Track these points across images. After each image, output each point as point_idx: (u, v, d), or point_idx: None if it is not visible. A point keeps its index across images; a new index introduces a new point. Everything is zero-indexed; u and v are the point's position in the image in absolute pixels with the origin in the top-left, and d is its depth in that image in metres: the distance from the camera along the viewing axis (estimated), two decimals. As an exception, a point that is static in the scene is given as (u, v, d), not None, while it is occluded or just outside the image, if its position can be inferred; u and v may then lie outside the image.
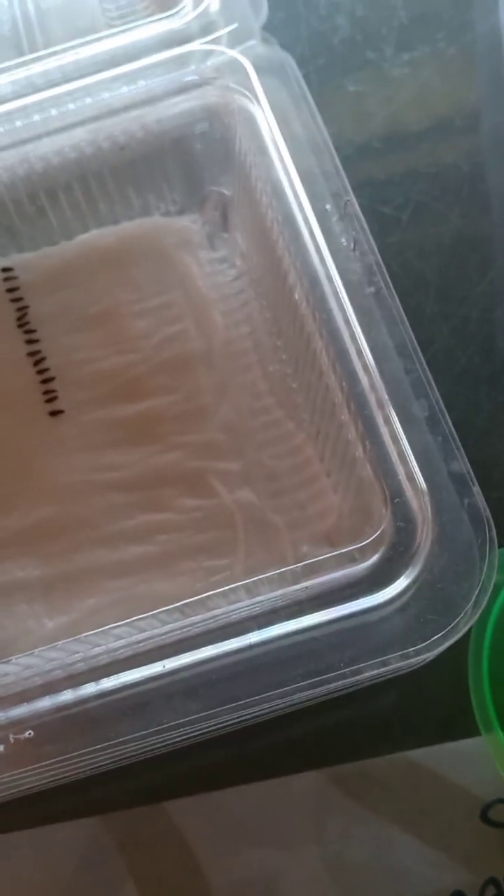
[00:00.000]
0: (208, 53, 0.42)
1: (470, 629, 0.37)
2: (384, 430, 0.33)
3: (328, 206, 0.37)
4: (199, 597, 0.30)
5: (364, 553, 0.31)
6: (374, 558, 0.31)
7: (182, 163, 0.43)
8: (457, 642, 0.36)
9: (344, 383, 0.35)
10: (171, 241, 0.43)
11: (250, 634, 0.29)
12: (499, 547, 0.39)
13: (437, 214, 0.50)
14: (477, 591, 0.30)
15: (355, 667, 0.29)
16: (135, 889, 0.37)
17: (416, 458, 0.33)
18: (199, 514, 0.40)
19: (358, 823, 0.38)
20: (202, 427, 0.41)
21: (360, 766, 0.39)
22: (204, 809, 0.38)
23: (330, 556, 0.31)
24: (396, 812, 0.38)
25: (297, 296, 0.37)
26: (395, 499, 0.32)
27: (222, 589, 0.31)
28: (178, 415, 0.41)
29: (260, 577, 0.31)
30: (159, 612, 0.30)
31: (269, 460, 0.41)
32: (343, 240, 0.36)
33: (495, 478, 0.43)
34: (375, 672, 0.29)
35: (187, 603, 0.30)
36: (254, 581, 0.31)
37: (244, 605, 0.30)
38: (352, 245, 0.36)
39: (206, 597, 0.31)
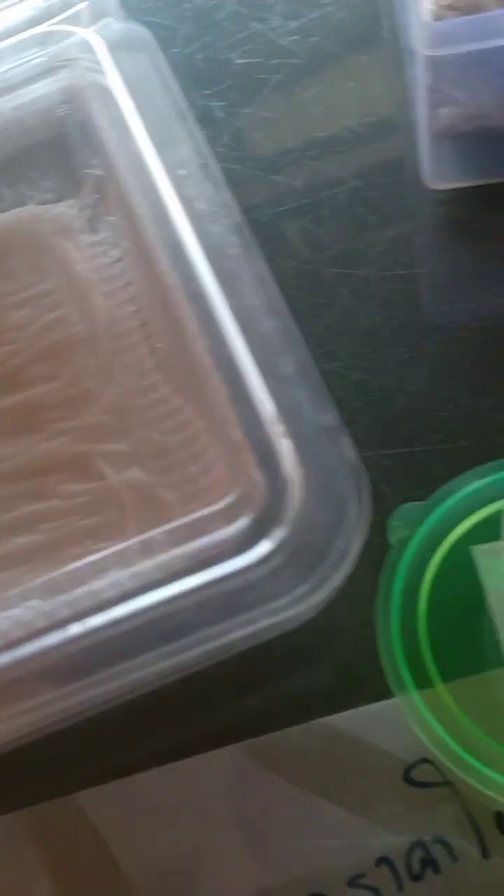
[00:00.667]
0: (65, 34, 0.41)
1: (377, 588, 0.36)
2: (252, 390, 0.32)
3: (183, 172, 0.36)
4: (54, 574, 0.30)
5: (233, 514, 0.30)
6: (243, 519, 0.30)
7: (50, 149, 0.42)
8: (367, 603, 0.36)
9: (212, 347, 0.34)
10: (47, 229, 0.42)
11: (112, 610, 0.29)
12: (410, 502, 0.39)
13: (332, 177, 0.49)
14: (345, 541, 0.29)
15: (222, 628, 0.28)
16: (51, 883, 0.37)
17: (285, 415, 0.32)
18: (86, 498, 0.39)
19: (278, 797, 0.37)
20: (87, 411, 0.41)
21: (276, 738, 0.38)
22: (117, 797, 0.38)
23: (194, 521, 0.30)
24: (317, 781, 0.37)
25: (163, 265, 0.37)
26: (265, 458, 0.31)
27: (82, 563, 0.30)
28: (62, 401, 0.40)
29: (118, 548, 0.30)
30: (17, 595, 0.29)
31: (158, 437, 0.40)
32: (202, 204, 0.35)
33: (401, 434, 0.42)
34: (246, 632, 0.29)
35: (50, 583, 0.30)
36: (115, 553, 0.30)
37: (107, 583, 0.29)
38: (211, 208, 0.35)
39: (73, 571, 0.30)
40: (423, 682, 0.37)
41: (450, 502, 0.39)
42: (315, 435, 0.31)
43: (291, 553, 0.29)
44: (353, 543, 0.29)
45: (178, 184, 0.36)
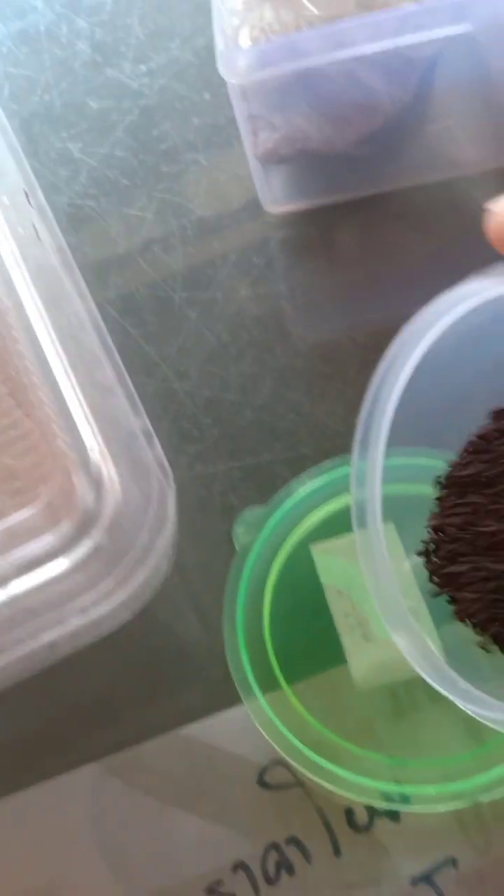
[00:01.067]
0: None
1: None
2: (72, 400, 0.33)
3: (6, 200, 0.37)
4: None
5: (47, 520, 0.31)
6: (58, 524, 0.31)
7: None
8: (217, 613, 0.36)
9: (36, 363, 0.35)
10: None
11: None
12: (264, 506, 0.39)
13: (180, 209, 0.51)
14: (146, 533, 0.29)
15: (32, 628, 0.28)
16: None
17: (102, 422, 0.33)
18: None
19: (137, 811, 0.37)
20: None
21: (134, 752, 0.38)
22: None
23: (11, 527, 0.30)
24: (175, 793, 0.37)
25: (-4, 291, 0.37)
26: (82, 463, 0.32)
27: None
28: None
29: None
30: None
31: (9, 461, 0.40)
32: (21, 228, 0.36)
33: (248, 445, 0.43)
34: (60, 632, 0.29)
35: None
36: None
37: None
38: (34, 233, 0.37)
39: None
40: (268, 685, 0.37)
41: (288, 504, 0.40)
42: (129, 439, 0.32)
43: (102, 552, 0.30)
44: (161, 538, 0.29)
45: (4, 210, 0.37)
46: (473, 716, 0.29)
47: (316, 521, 0.40)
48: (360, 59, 0.44)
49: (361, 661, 0.37)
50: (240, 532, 0.39)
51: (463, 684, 0.30)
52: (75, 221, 0.51)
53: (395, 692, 0.37)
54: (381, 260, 0.48)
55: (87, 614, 0.29)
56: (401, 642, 0.30)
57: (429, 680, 0.29)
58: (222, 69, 0.41)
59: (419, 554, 0.35)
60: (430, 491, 0.36)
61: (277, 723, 0.36)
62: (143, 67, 0.56)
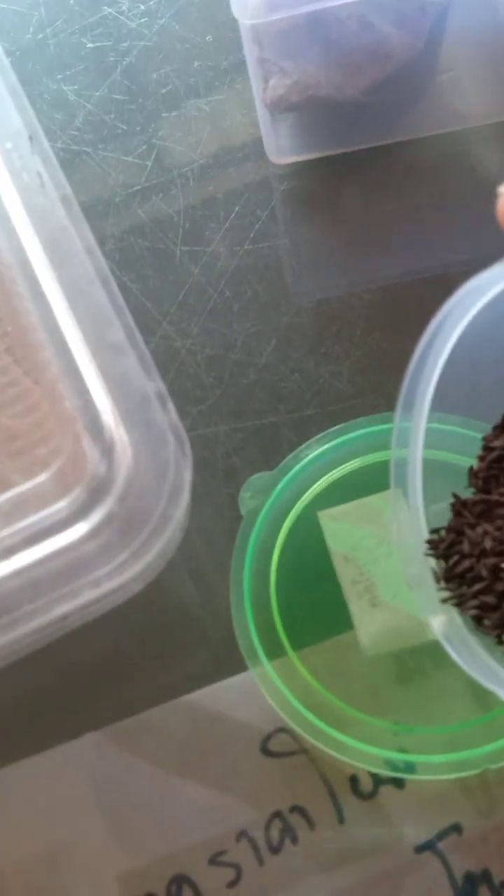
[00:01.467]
0: None
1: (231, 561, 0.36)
2: (80, 361, 0.32)
3: (8, 145, 0.35)
4: None
5: (58, 487, 0.29)
6: (70, 492, 0.30)
7: None
8: (222, 579, 0.36)
9: (41, 320, 0.33)
10: None
11: None
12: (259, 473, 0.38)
13: (182, 157, 0.49)
14: (164, 503, 0.28)
15: (45, 602, 0.27)
16: None
17: (112, 384, 0.31)
18: None
19: (140, 779, 0.37)
20: None
21: (137, 721, 0.38)
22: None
23: (23, 494, 0.29)
24: (178, 760, 0.37)
25: (-3, 242, 0.36)
26: (92, 428, 0.30)
27: None
28: None
29: None
30: None
31: (8, 421, 0.39)
32: (25, 176, 0.34)
33: (252, 406, 0.42)
34: (73, 605, 0.28)
35: None
36: None
37: None
38: (38, 181, 0.35)
39: None
40: (275, 651, 0.37)
41: (296, 470, 0.39)
42: (141, 402, 0.30)
43: (116, 522, 0.28)
44: (177, 508, 0.28)
45: (6, 157, 0.35)
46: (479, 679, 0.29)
47: (323, 487, 0.39)
48: (373, 4, 0.42)
49: (369, 628, 0.37)
50: (246, 497, 0.38)
51: (479, 650, 0.29)
52: (70, 168, 0.49)
53: (401, 658, 0.37)
54: (388, 214, 0.47)
55: (101, 586, 0.28)
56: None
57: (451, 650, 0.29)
58: (235, 9, 0.39)
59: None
60: (455, 458, 0.35)
61: (283, 689, 0.36)
62: (141, 6, 0.53)
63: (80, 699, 0.38)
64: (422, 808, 0.36)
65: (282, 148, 0.46)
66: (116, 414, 0.31)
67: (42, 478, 0.29)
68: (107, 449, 0.30)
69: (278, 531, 0.38)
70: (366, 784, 0.36)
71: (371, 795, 0.36)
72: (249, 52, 0.41)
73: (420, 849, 0.35)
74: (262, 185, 0.47)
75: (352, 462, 0.40)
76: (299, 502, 0.39)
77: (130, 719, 0.37)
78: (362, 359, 0.43)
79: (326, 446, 0.39)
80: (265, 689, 0.36)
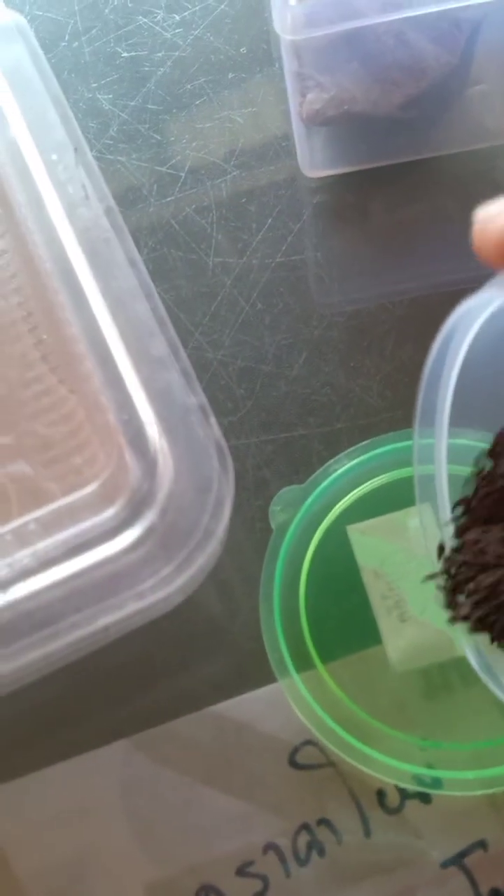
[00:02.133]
0: None
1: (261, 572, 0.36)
2: (123, 373, 0.32)
3: (54, 157, 0.35)
4: None
5: (104, 499, 0.30)
6: (115, 504, 0.30)
7: None
8: (253, 589, 0.36)
9: (83, 331, 0.33)
10: None
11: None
12: (290, 486, 0.39)
13: (215, 169, 0.49)
14: (212, 520, 0.28)
15: (90, 613, 0.28)
16: None
17: (155, 397, 0.32)
18: (-30, 491, 0.38)
19: (167, 787, 0.37)
20: (-29, 404, 0.40)
21: (164, 730, 0.38)
22: (8, 799, 0.37)
23: (66, 507, 0.29)
24: (204, 770, 0.37)
25: (38, 251, 0.36)
26: (135, 441, 0.31)
27: None
28: None
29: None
30: None
31: (42, 429, 0.39)
32: (70, 188, 0.35)
33: (282, 419, 0.42)
34: (116, 617, 0.28)
35: None
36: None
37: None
38: (83, 193, 0.35)
39: None
40: (304, 664, 0.37)
41: (325, 484, 0.39)
42: (184, 416, 0.31)
43: (159, 535, 0.29)
44: (220, 523, 0.29)
45: (51, 169, 0.36)
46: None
47: (352, 501, 0.39)
48: (410, 20, 0.43)
49: (398, 643, 0.37)
50: (276, 511, 0.39)
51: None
52: (104, 177, 0.49)
53: (429, 674, 0.37)
54: (419, 228, 0.47)
55: (144, 599, 0.28)
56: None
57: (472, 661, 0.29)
58: (277, 24, 0.39)
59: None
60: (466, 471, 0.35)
61: (311, 701, 0.36)
62: (176, 17, 0.53)
63: (108, 707, 0.38)
64: (448, 824, 0.36)
65: (315, 161, 0.46)
66: (159, 427, 0.31)
67: (88, 490, 0.29)
68: (149, 462, 0.30)
69: (308, 544, 0.38)
70: (392, 798, 0.36)
71: (398, 810, 0.36)
72: (288, 67, 0.42)
73: (446, 864, 0.35)
74: (295, 197, 0.47)
75: (381, 477, 0.40)
76: (328, 516, 0.39)
77: (158, 728, 0.38)
78: (393, 373, 0.43)
79: (356, 461, 0.39)
80: (293, 701, 0.36)
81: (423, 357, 0.43)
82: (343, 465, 0.39)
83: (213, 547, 0.28)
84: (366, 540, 0.38)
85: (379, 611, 0.37)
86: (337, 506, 0.39)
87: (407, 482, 0.40)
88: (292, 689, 0.36)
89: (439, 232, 0.47)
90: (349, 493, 0.39)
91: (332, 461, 0.39)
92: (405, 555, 0.38)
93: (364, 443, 0.39)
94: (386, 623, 0.37)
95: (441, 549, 0.32)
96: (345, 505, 0.39)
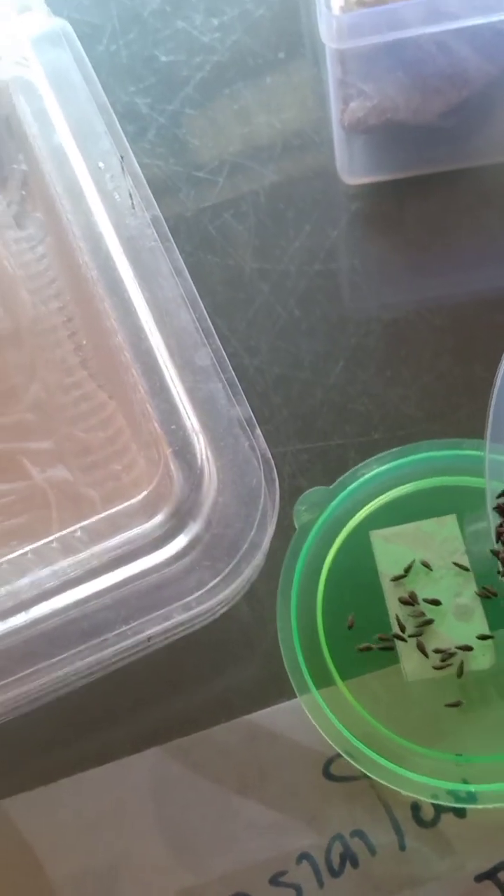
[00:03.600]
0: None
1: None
2: (168, 383, 0.32)
3: (101, 165, 0.36)
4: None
5: (149, 510, 0.30)
6: (160, 514, 0.30)
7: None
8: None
9: (129, 340, 0.33)
10: (-27, 225, 0.42)
11: (31, 610, 0.28)
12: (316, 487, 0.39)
13: (253, 174, 0.49)
14: (257, 533, 0.28)
15: (137, 624, 0.28)
16: (-32, 889, 0.36)
17: (200, 408, 0.32)
18: (10, 497, 0.38)
19: (200, 795, 0.37)
20: (11, 408, 0.40)
21: (198, 738, 0.38)
22: (42, 803, 0.37)
23: (112, 517, 0.30)
24: (237, 778, 0.37)
25: (82, 259, 0.36)
26: (181, 451, 0.31)
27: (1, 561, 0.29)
28: (-14, 399, 0.39)
29: (36, 545, 0.29)
30: None
31: (81, 434, 0.40)
32: (117, 196, 0.35)
33: (318, 427, 0.42)
34: (162, 627, 0.28)
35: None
36: (34, 551, 0.29)
37: (27, 582, 0.29)
38: (129, 201, 0.35)
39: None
40: (323, 681, 0.37)
41: (353, 487, 0.39)
42: (228, 427, 0.31)
43: (205, 547, 0.29)
44: (265, 535, 0.29)
45: (97, 177, 0.36)
46: None
47: (378, 506, 0.39)
48: (453, 29, 0.42)
49: (413, 653, 0.37)
50: (301, 510, 0.39)
51: None
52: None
53: (464, 687, 0.37)
54: (458, 238, 0.47)
55: (190, 610, 0.28)
56: None
57: None
58: (323, 33, 0.39)
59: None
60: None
61: (335, 722, 0.36)
62: (214, 21, 0.53)
63: (141, 713, 0.38)
64: (483, 838, 0.36)
65: (354, 168, 0.46)
66: (203, 437, 0.31)
67: (133, 499, 0.30)
68: (195, 473, 0.30)
69: (330, 546, 0.39)
70: (427, 812, 0.36)
71: (432, 823, 0.36)
72: (332, 74, 0.42)
73: (480, 878, 0.35)
74: (333, 204, 0.47)
75: (409, 484, 0.40)
76: (353, 520, 0.39)
77: (192, 736, 0.38)
78: (431, 383, 0.43)
79: (385, 466, 0.39)
80: (317, 722, 0.36)
81: (463, 367, 0.43)
82: (372, 470, 0.39)
83: (258, 560, 0.28)
84: (389, 546, 0.38)
85: (396, 618, 0.37)
86: (362, 510, 0.39)
87: (435, 492, 0.40)
88: (314, 709, 0.36)
89: (478, 242, 0.47)
90: (376, 498, 0.39)
91: (361, 465, 0.39)
92: (427, 564, 0.38)
93: (395, 449, 0.40)
94: (402, 631, 0.37)
95: None
96: (370, 510, 0.39)
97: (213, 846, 0.36)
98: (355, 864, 0.36)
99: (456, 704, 0.36)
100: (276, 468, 0.40)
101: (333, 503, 0.39)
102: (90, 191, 0.35)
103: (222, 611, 0.29)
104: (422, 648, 0.37)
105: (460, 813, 0.36)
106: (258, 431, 0.30)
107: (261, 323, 0.45)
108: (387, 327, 0.44)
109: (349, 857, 0.36)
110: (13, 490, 0.38)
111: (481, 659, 0.36)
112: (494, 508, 0.36)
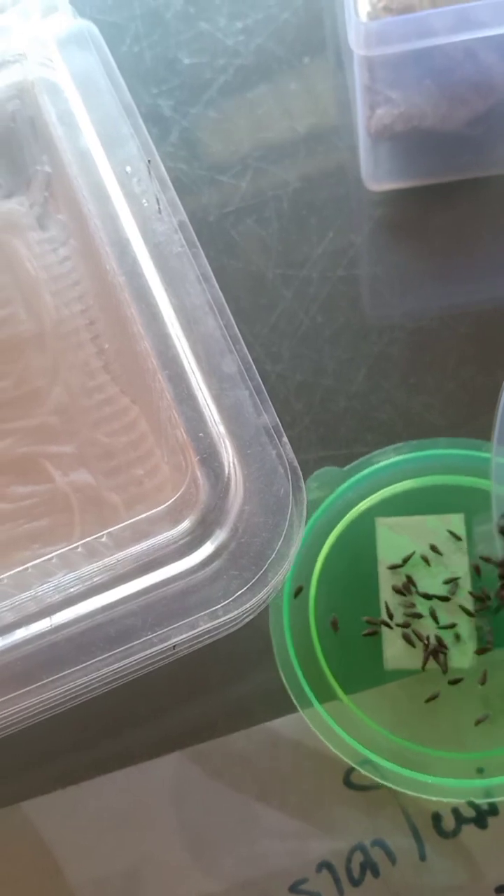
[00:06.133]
0: (14, 29, 0.40)
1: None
2: (195, 390, 0.32)
3: (129, 169, 0.35)
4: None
5: (175, 517, 0.30)
6: (186, 522, 0.30)
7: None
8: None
9: (155, 347, 0.33)
10: (-4, 226, 0.42)
11: (57, 615, 0.28)
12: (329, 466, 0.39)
13: (276, 179, 0.49)
14: (284, 542, 0.28)
15: (163, 632, 0.28)
16: (-12, 893, 0.36)
17: (227, 415, 0.32)
18: (33, 500, 0.38)
19: (219, 801, 0.37)
20: (34, 411, 0.40)
21: (218, 744, 0.38)
22: (62, 806, 0.37)
23: (138, 523, 0.30)
24: (258, 786, 0.37)
25: (108, 264, 0.36)
26: (207, 459, 0.31)
27: (26, 567, 0.29)
28: (9, 401, 0.39)
29: (62, 551, 0.29)
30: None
31: (104, 438, 0.40)
32: (144, 201, 0.35)
33: (341, 435, 0.42)
34: (188, 636, 0.28)
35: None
36: (59, 556, 0.29)
37: (51, 587, 0.29)
38: (156, 206, 0.35)
39: (18, 576, 0.29)
40: (325, 695, 0.37)
41: (367, 472, 0.39)
42: (255, 435, 0.31)
43: (232, 555, 0.29)
44: (292, 545, 0.28)
45: (124, 181, 0.36)
46: None
47: (388, 496, 0.40)
48: (480, 37, 0.42)
49: (397, 640, 0.37)
50: (312, 487, 0.39)
51: None
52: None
53: (486, 697, 0.37)
54: (483, 246, 0.47)
55: (218, 618, 0.28)
56: None
57: None
58: (352, 40, 0.39)
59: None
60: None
61: (344, 736, 0.36)
62: (238, 24, 0.53)
63: (163, 718, 0.38)
64: None
65: (379, 175, 0.46)
66: (230, 445, 0.31)
67: (160, 506, 0.29)
68: (222, 480, 0.30)
69: (332, 528, 0.39)
70: (448, 822, 0.36)
71: (453, 834, 0.36)
72: (359, 81, 0.42)
73: (501, 889, 0.35)
74: (356, 210, 0.47)
75: (422, 478, 0.40)
76: (361, 504, 0.39)
77: (212, 741, 0.38)
78: (455, 391, 0.43)
79: (402, 457, 0.40)
80: (324, 735, 0.36)
81: (487, 376, 0.43)
82: (388, 458, 0.40)
83: (284, 568, 0.28)
84: (392, 536, 0.38)
85: (385, 605, 0.38)
86: (372, 496, 0.39)
87: (448, 489, 0.40)
88: (319, 723, 0.36)
89: (502, 249, 0.47)
90: (387, 486, 0.39)
91: (378, 451, 0.40)
92: (426, 558, 0.38)
93: (414, 441, 0.40)
94: (390, 619, 0.37)
95: None
96: (380, 497, 0.40)
97: (232, 852, 0.36)
98: (376, 873, 0.35)
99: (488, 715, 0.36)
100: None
101: (344, 485, 0.40)
102: (116, 195, 0.35)
103: (248, 619, 0.29)
104: (407, 639, 0.37)
105: (482, 824, 0.36)
106: (285, 440, 0.30)
107: (283, 329, 0.45)
108: (410, 335, 0.44)
109: (369, 866, 0.36)
110: (35, 493, 0.38)
111: (464, 658, 0.37)
112: (501, 531, 0.36)
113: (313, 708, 0.36)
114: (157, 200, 0.35)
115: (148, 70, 0.53)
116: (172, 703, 0.38)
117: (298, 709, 0.36)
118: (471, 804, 0.36)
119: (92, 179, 0.37)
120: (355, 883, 0.35)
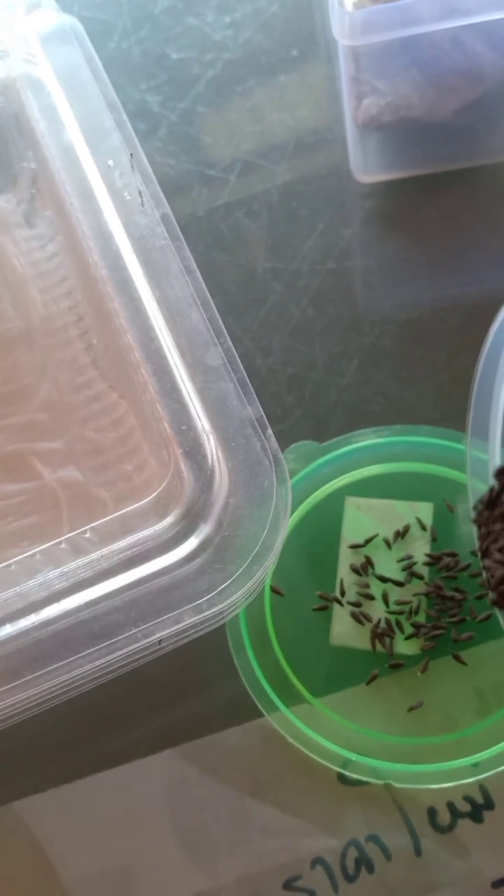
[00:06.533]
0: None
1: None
2: (179, 383, 0.32)
3: (111, 162, 0.35)
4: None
5: (160, 510, 0.29)
6: (171, 516, 0.30)
7: (-15, 141, 0.41)
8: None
9: (139, 340, 0.33)
10: (-17, 224, 0.41)
11: (42, 611, 0.28)
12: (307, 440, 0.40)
13: (265, 173, 0.49)
14: (265, 533, 0.28)
15: (149, 627, 0.27)
16: (-20, 893, 0.36)
17: (211, 408, 0.31)
18: (21, 498, 0.38)
19: (212, 798, 0.37)
20: (22, 408, 0.40)
21: (212, 740, 0.37)
22: (55, 805, 0.37)
23: (122, 517, 0.29)
24: (252, 782, 0.37)
25: (92, 258, 0.36)
26: (192, 452, 0.30)
27: (11, 563, 0.29)
28: (-3, 398, 0.39)
29: (46, 547, 0.29)
30: None
31: (93, 434, 0.39)
32: (127, 194, 0.34)
33: (332, 429, 0.42)
34: (173, 630, 0.28)
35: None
36: (43, 552, 0.29)
37: (37, 583, 0.29)
38: (139, 199, 0.35)
39: (3, 572, 0.29)
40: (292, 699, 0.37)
41: (344, 451, 0.39)
42: (240, 428, 0.30)
43: (217, 549, 0.28)
44: (277, 537, 0.28)
45: (107, 175, 0.35)
46: None
47: (363, 477, 0.40)
48: (468, 26, 0.42)
49: (346, 617, 0.37)
50: (290, 458, 0.39)
51: None
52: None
53: (480, 692, 0.37)
54: (473, 235, 0.46)
55: (202, 612, 0.27)
56: None
57: None
58: (336, 30, 0.39)
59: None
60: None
61: (320, 738, 0.36)
62: (226, 18, 0.53)
63: (155, 715, 0.38)
64: (500, 843, 0.35)
65: (368, 166, 0.46)
66: (214, 438, 0.31)
67: (143, 500, 0.29)
68: (206, 473, 0.30)
69: (302, 502, 0.39)
70: (443, 817, 0.36)
71: (449, 829, 0.35)
72: (345, 71, 0.41)
73: (497, 883, 0.35)
74: (346, 203, 0.47)
75: (399, 463, 0.40)
76: (334, 481, 0.39)
77: (205, 738, 0.37)
78: (447, 383, 0.42)
79: (381, 440, 0.40)
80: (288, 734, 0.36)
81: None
82: (367, 440, 0.40)
83: (270, 561, 0.28)
84: (359, 515, 0.38)
85: (340, 582, 0.38)
86: (346, 475, 0.39)
87: (422, 477, 0.40)
88: (291, 729, 0.36)
89: (494, 240, 0.46)
90: (363, 467, 0.39)
91: (358, 431, 0.40)
92: (390, 543, 0.39)
93: (395, 426, 0.40)
94: (342, 596, 0.38)
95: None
96: (354, 477, 0.39)
97: (227, 849, 0.36)
98: (371, 869, 0.35)
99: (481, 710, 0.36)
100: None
101: (320, 460, 0.40)
102: (99, 189, 0.35)
103: (234, 613, 0.28)
104: (356, 617, 0.37)
105: (477, 818, 0.36)
106: (269, 432, 0.30)
107: (273, 322, 0.44)
108: (402, 327, 0.44)
109: (364, 862, 0.35)
110: (24, 490, 0.38)
111: (410, 644, 0.37)
112: (474, 521, 0.35)
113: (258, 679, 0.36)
114: (140, 194, 0.34)
115: (136, 66, 0.52)
116: (165, 699, 0.38)
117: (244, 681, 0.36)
118: (466, 798, 0.35)
119: (75, 174, 0.37)
120: (350, 879, 0.35)
